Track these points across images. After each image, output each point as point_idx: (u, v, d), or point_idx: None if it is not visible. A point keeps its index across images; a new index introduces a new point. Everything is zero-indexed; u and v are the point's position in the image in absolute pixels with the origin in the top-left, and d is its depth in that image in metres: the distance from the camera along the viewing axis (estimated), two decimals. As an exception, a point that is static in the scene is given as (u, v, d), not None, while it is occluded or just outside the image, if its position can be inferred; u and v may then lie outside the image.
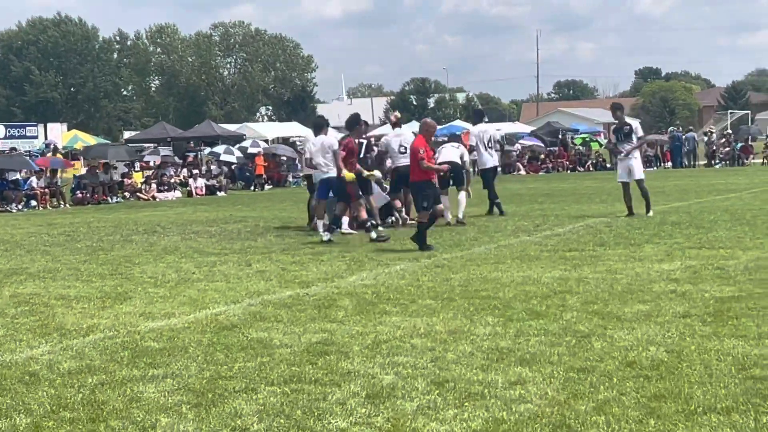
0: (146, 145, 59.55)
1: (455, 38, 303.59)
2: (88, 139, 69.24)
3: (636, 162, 21.40)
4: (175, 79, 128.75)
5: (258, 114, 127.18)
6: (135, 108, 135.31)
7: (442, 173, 18.12)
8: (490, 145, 23.66)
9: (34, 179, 36.75)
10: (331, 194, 19.62)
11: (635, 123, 21.85)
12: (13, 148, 47.94)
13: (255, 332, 10.00)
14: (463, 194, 21.55)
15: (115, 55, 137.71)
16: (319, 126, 20.64)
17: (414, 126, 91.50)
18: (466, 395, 7.35)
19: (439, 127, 73.31)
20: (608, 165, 54.96)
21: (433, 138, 19.29)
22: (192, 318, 11.00)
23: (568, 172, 53.61)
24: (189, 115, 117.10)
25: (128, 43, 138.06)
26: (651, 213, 21.09)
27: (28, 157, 42.24)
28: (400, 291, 12.30)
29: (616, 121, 21.82)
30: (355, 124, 20.96)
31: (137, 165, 46.12)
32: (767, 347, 8.54)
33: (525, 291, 11.92)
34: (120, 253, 18.11)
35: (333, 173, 19.55)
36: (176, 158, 48.96)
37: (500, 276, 13.28)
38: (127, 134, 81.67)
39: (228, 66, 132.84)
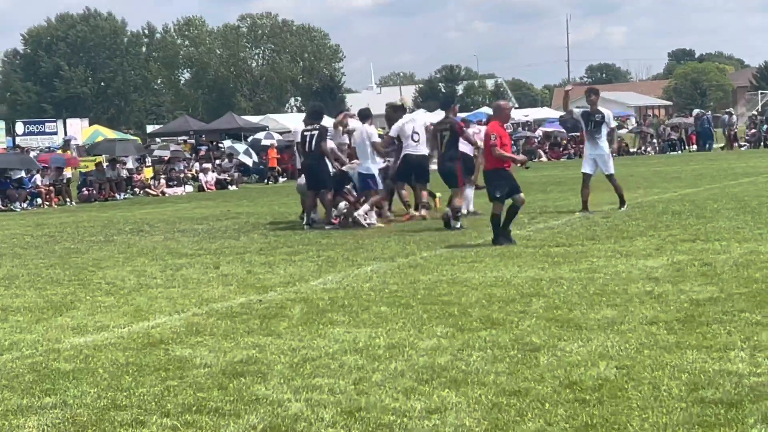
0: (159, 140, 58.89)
1: (486, 24, 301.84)
2: (110, 135, 68.71)
3: (605, 155, 20.15)
4: (203, 72, 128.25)
5: (287, 105, 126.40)
6: (165, 101, 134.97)
7: (519, 163, 16.63)
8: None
9: (38, 177, 36.08)
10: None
11: (608, 112, 20.62)
12: (18, 146, 47.27)
13: (180, 349, 9.18)
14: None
15: (144, 49, 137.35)
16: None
17: (442, 114, 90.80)
18: (373, 427, 6.48)
19: (465, 114, 72.59)
20: (632, 150, 53.85)
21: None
22: (125, 331, 10.23)
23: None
24: (218, 107, 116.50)
25: (156, 36, 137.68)
26: (624, 208, 19.69)
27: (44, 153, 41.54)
28: (359, 296, 11.50)
29: (588, 106, 20.52)
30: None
31: (148, 160, 45.45)
32: (729, 360, 7.61)
33: (490, 294, 11.06)
34: (93, 255, 17.36)
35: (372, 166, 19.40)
36: (186, 153, 48.16)
37: (471, 277, 12.43)
38: (150, 128, 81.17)
39: (256, 57, 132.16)
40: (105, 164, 38.86)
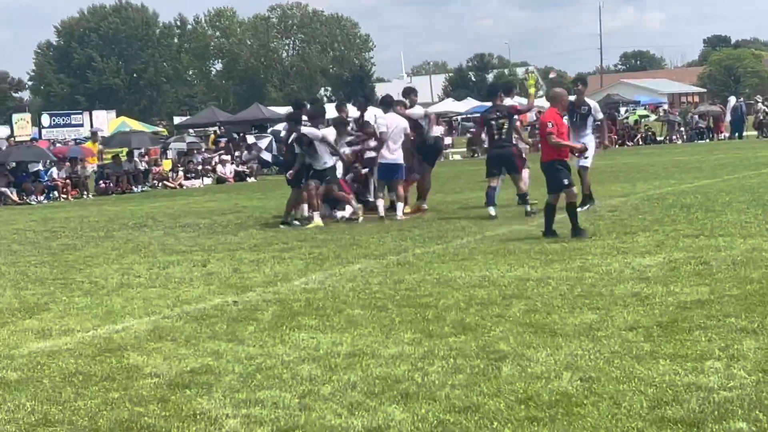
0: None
1: (519, 12, 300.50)
2: (137, 126, 68.54)
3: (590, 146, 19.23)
4: (234, 63, 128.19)
5: (318, 95, 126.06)
6: (198, 92, 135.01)
7: (577, 152, 15.69)
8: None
9: (54, 170, 35.82)
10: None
11: (594, 104, 19.95)
12: (34, 139, 47.00)
13: (136, 356, 8.77)
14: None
15: (176, 40, 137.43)
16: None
17: (470, 103, 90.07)
18: (305, 448, 6.01)
19: (489, 103, 71.90)
20: (659, 138, 53.12)
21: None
22: (88, 336, 9.86)
23: (616, 147, 51.61)
24: (249, 98, 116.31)
25: (188, 27, 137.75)
26: (588, 207, 18.82)
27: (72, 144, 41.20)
28: (337, 297, 11.08)
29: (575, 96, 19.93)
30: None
31: (169, 153, 45.14)
32: (702, 372, 7.11)
33: (471, 296, 10.62)
34: (87, 252, 17.00)
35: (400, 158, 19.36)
36: (202, 145, 47.78)
37: (458, 276, 11.98)
38: (177, 119, 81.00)
39: (286, 48, 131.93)
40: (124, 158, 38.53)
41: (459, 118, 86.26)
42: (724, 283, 10.43)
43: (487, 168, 19.15)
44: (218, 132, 54.86)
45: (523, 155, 19.79)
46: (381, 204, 19.46)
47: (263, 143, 45.16)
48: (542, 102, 69.72)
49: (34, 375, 8.33)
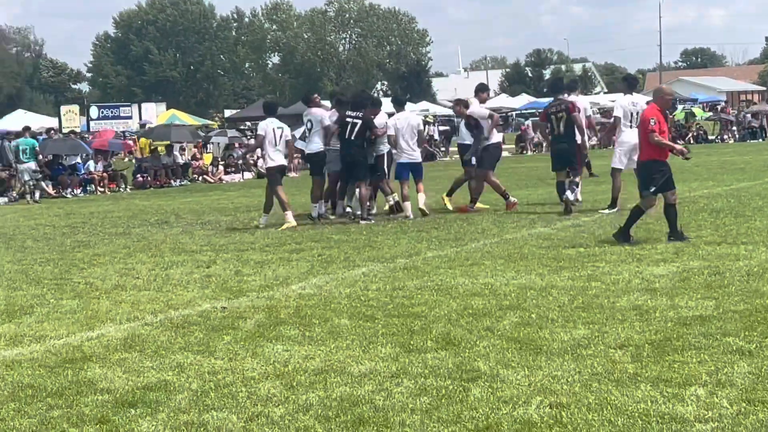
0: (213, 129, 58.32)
1: (580, 8, 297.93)
2: (187, 119, 68.51)
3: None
4: (290, 56, 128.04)
5: (374, 89, 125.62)
6: (255, 85, 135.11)
7: (678, 153, 14.38)
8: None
9: (91, 163, 35.60)
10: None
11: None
12: (72, 131, 46.81)
13: (96, 368, 8.34)
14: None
15: (233, 33, 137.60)
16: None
17: (524, 99, 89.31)
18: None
19: (547, 99, 70.99)
20: (710, 137, 52.05)
21: None
22: (59, 344, 9.46)
23: (666, 144, 50.57)
24: (305, 91, 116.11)
25: (245, 20, 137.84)
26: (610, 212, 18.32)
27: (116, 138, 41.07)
28: (328, 305, 10.62)
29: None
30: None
31: (209, 147, 44.86)
32: (682, 400, 6.55)
33: (467, 306, 10.09)
34: (97, 250, 16.63)
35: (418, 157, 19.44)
36: (244, 139, 47.42)
37: (461, 283, 11.46)
38: (228, 113, 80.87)
39: (343, 41, 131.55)
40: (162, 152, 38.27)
41: (513, 114, 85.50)
42: (732, 296, 9.81)
43: (552, 163, 19.22)
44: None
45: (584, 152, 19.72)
46: (408, 204, 19.03)
47: (297, 132, 44.84)
48: (597, 98, 68.94)
49: (-15, 387, 7.87)
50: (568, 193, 18.49)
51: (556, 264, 12.41)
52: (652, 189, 13.78)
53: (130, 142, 52.34)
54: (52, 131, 42.08)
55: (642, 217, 14.04)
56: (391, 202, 19.25)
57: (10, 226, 22.49)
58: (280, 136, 18.82)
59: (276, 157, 18.83)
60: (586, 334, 8.53)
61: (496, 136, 20.03)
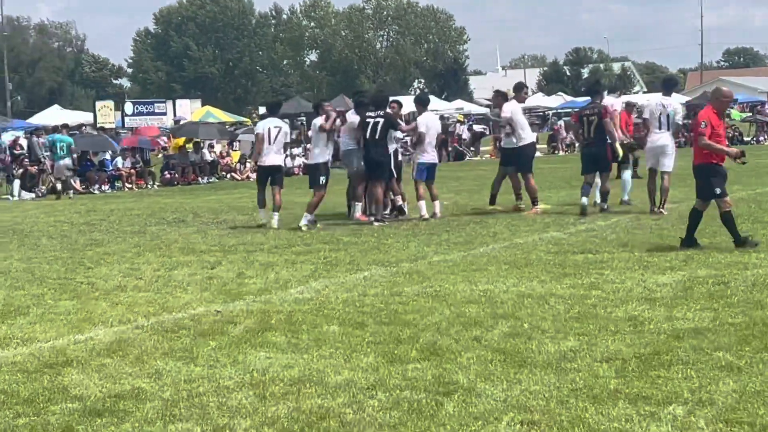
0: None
1: (621, 6, 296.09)
2: (221, 116, 68.55)
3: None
4: (328, 53, 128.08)
5: (411, 87, 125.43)
6: (293, 82, 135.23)
7: (733, 157, 13.77)
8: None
9: (119, 159, 35.61)
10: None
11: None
12: (102, 128, 46.80)
13: (74, 374, 8.21)
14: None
15: (271, 30, 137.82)
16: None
17: (561, 98, 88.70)
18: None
19: (584, 99, 70.42)
20: (746, 138, 51.43)
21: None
22: (45, 347, 9.38)
23: (702, 146, 50.01)
24: (342, 89, 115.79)
25: (283, 17, 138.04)
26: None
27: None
28: (322, 310, 10.47)
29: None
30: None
31: (236, 144, 44.78)
32: (658, 420, 6.36)
33: (460, 313, 9.91)
34: (108, 249, 16.57)
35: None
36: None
37: (459, 289, 11.29)
38: (262, 110, 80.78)
39: (380, 39, 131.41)
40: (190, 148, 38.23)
41: (550, 113, 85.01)
42: (733, 308, 9.57)
43: (581, 165, 19.23)
44: (303, 124, 54.53)
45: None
46: (422, 203, 18.99)
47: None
48: (634, 98, 68.20)
49: (-42, 393, 7.76)
50: (584, 199, 18.44)
51: (561, 271, 12.19)
52: (717, 191, 13.39)
53: (163, 139, 52.30)
54: (83, 127, 42.16)
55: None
56: (399, 203, 19.12)
57: (29, 222, 22.47)
58: (276, 135, 18.72)
59: (267, 157, 18.74)
60: (574, 346, 8.32)
61: (530, 136, 19.89)
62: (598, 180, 19.30)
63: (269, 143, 18.78)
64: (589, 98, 20.61)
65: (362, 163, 18.96)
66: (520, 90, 20.66)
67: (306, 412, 6.85)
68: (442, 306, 10.35)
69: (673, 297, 10.24)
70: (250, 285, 12.31)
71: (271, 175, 19.06)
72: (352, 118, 19.20)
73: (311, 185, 18.79)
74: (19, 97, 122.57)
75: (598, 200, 19.01)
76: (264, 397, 7.29)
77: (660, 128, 18.21)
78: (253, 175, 35.95)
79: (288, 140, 19.41)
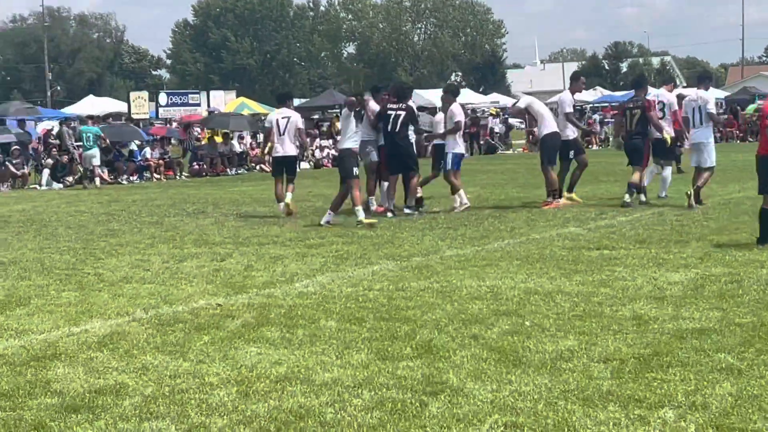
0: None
1: (662, 0, 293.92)
2: (256, 107, 68.40)
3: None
4: (365, 46, 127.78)
5: (449, 80, 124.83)
6: (331, 74, 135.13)
7: None
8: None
9: (147, 150, 35.54)
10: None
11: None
12: (130, 118, 46.75)
13: (61, 368, 8.05)
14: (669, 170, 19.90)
15: (309, 22, 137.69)
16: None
17: (598, 92, 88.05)
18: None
19: (622, 92, 69.78)
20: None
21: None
22: (38, 339, 9.23)
23: (738, 142, 49.61)
24: (379, 81, 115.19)
25: (321, 9, 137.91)
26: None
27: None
28: (323, 305, 10.28)
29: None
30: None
31: (259, 136, 44.60)
32: (646, 424, 6.16)
33: (462, 310, 9.68)
34: (122, 239, 16.45)
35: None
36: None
37: (467, 285, 11.06)
38: (297, 102, 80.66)
39: (418, 32, 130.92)
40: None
41: (588, 107, 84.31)
42: (742, 307, 9.29)
43: (627, 158, 19.36)
44: (338, 115, 54.38)
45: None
46: (462, 192, 19.35)
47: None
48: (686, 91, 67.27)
49: (-61, 386, 7.61)
50: (626, 196, 18.57)
51: (573, 267, 11.93)
52: None
53: (196, 130, 52.24)
54: (110, 118, 42.20)
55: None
56: (419, 194, 19.02)
57: (50, 212, 22.43)
58: (286, 126, 18.62)
59: (279, 147, 18.64)
60: (572, 346, 8.07)
61: (551, 126, 19.60)
62: (653, 170, 19.70)
63: (279, 134, 18.68)
64: (628, 92, 20.66)
65: (375, 155, 18.77)
66: (575, 80, 20.64)
67: (286, 411, 6.64)
68: (445, 302, 10.12)
69: (683, 296, 9.95)
70: (256, 278, 12.12)
71: (286, 166, 18.89)
72: (372, 107, 18.95)
73: (346, 175, 17.79)
74: (58, 87, 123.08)
75: (663, 193, 19.24)
76: (247, 394, 7.09)
77: (698, 124, 18.21)
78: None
79: (301, 127, 19.12)
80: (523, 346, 8.16)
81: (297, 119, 19.22)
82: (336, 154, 36.67)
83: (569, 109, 19.95)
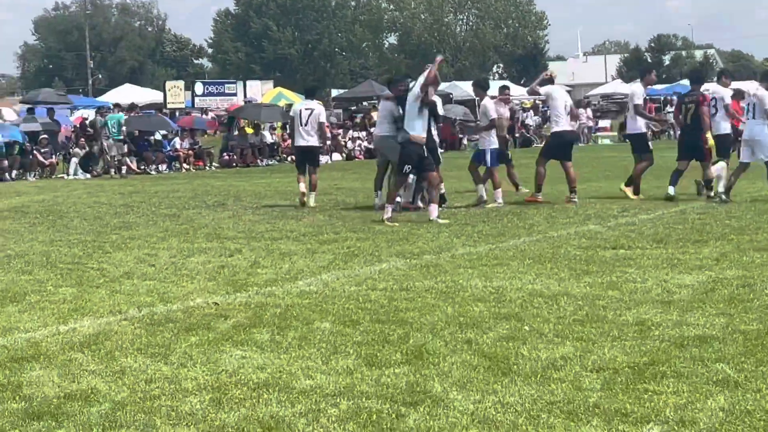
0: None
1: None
2: (293, 98, 68.24)
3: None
4: (407, 36, 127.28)
5: (490, 72, 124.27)
6: (372, 65, 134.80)
7: None
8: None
9: (177, 140, 35.40)
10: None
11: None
12: (159, 110, 46.69)
13: (36, 370, 7.82)
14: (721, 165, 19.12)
15: (351, 12, 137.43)
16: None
17: (639, 86, 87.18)
18: None
19: (663, 86, 69.01)
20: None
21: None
22: (22, 338, 9.04)
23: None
24: (421, 72, 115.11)
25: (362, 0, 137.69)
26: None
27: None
28: (322, 305, 10.01)
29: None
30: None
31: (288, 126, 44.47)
32: (629, 441, 5.69)
33: (463, 312, 9.39)
34: (134, 233, 16.28)
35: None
36: (333, 119, 46.91)
37: (472, 285, 10.75)
38: (335, 92, 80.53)
39: (460, 23, 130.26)
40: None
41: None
42: (750, 313, 8.91)
43: (678, 152, 19.43)
44: (374, 107, 54.11)
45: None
46: (499, 191, 19.24)
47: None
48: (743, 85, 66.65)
49: None
50: (671, 188, 18.57)
51: (584, 267, 11.59)
52: None
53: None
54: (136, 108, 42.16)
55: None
56: (442, 191, 18.66)
57: (69, 202, 22.33)
58: (308, 117, 18.56)
59: (300, 139, 18.58)
60: (567, 353, 7.74)
61: (562, 124, 19.21)
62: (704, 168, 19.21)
63: (301, 125, 18.61)
64: (669, 85, 20.29)
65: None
66: (647, 72, 20.79)
67: (256, 421, 6.37)
68: (447, 304, 9.82)
69: (691, 300, 9.59)
70: (260, 275, 11.86)
71: (308, 157, 18.78)
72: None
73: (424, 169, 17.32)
74: (100, 76, 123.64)
75: (720, 189, 18.56)
76: (220, 402, 6.81)
77: (751, 119, 18.31)
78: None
79: (323, 120, 18.99)
80: (516, 352, 7.84)
81: (320, 112, 19.20)
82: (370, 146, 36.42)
83: (639, 101, 19.78)
